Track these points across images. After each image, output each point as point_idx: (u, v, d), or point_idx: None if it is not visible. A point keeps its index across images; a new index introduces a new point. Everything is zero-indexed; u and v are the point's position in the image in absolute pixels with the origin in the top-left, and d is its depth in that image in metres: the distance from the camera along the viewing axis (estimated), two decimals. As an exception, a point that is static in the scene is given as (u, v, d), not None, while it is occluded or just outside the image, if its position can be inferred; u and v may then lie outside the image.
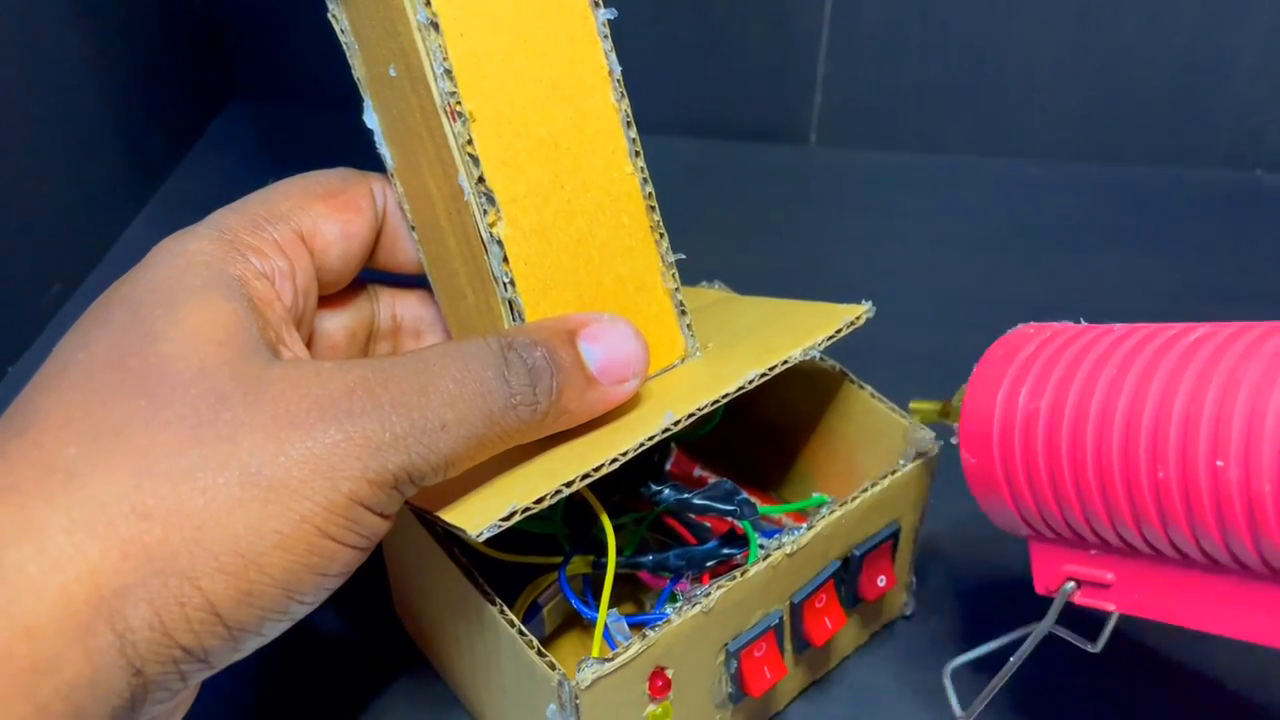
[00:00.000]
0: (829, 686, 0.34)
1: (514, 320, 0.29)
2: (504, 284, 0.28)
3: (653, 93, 0.49)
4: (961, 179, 0.56)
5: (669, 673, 0.28)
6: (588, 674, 0.26)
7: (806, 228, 0.54)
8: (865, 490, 0.31)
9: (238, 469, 0.23)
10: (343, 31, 0.30)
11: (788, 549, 0.29)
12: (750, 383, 0.29)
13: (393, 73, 0.28)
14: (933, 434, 0.32)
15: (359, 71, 0.30)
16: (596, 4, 0.29)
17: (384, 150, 0.30)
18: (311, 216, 0.29)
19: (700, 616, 0.28)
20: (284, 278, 0.28)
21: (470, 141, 0.27)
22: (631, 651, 0.27)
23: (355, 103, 0.66)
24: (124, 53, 0.53)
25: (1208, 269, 0.50)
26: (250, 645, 0.24)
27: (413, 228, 0.30)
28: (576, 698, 0.26)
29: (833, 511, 0.30)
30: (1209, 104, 0.54)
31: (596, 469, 0.26)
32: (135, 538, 0.22)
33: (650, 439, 0.27)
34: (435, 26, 0.27)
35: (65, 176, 0.49)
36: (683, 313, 0.31)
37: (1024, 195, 0.55)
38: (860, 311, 0.32)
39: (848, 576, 0.32)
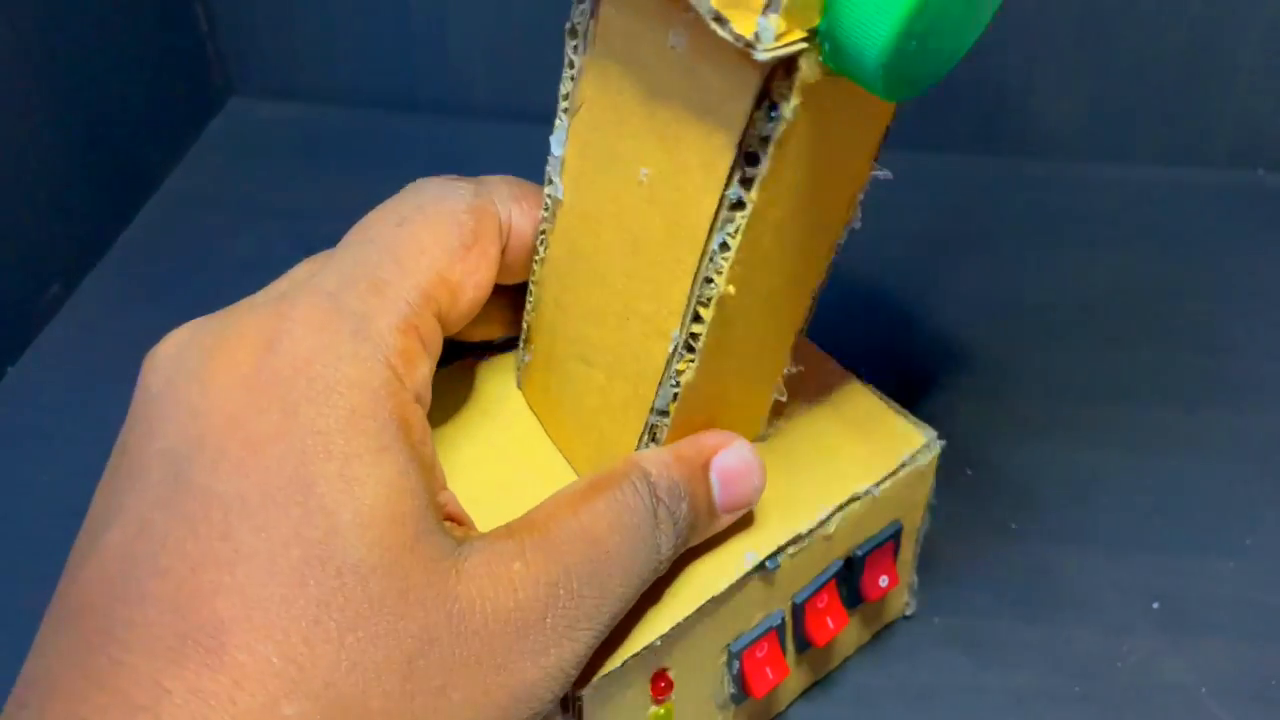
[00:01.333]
0: (831, 687, 0.34)
1: (648, 442, 0.28)
2: (658, 413, 0.27)
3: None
4: (965, 178, 0.56)
5: (671, 674, 0.28)
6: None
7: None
8: (867, 490, 0.31)
9: (402, 640, 0.21)
10: (575, 49, 0.25)
11: (790, 550, 0.29)
12: (822, 521, 0.30)
13: (643, 177, 0.25)
14: (935, 433, 0.32)
15: (574, 100, 0.26)
16: (875, 159, 0.27)
17: (556, 180, 0.27)
18: (450, 287, 0.26)
19: (703, 617, 0.28)
20: (426, 387, 0.25)
21: (706, 304, 0.25)
22: (633, 652, 0.27)
23: (356, 103, 0.66)
24: (122, 51, 0.53)
25: (1209, 268, 0.50)
26: None
27: (543, 245, 0.28)
28: (578, 698, 0.26)
29: (835, 511, 0.30)
30: (1211, 103, 0.54)
31: (687, 619, 0.27)
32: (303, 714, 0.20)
33: (731, 584, 0.28)
34: (742, 206, 0.23)
35: (64, 175, 0.49)
36: (773, 403, 0.31)
37: (1028, 194, 0.55)
38: (922, 441, 0.32)
39: (850, 576, 0.32)
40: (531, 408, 0.32)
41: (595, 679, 0.26)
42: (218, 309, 0.48)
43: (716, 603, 0.28)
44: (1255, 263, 0.50)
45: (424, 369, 0.25)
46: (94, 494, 0.24)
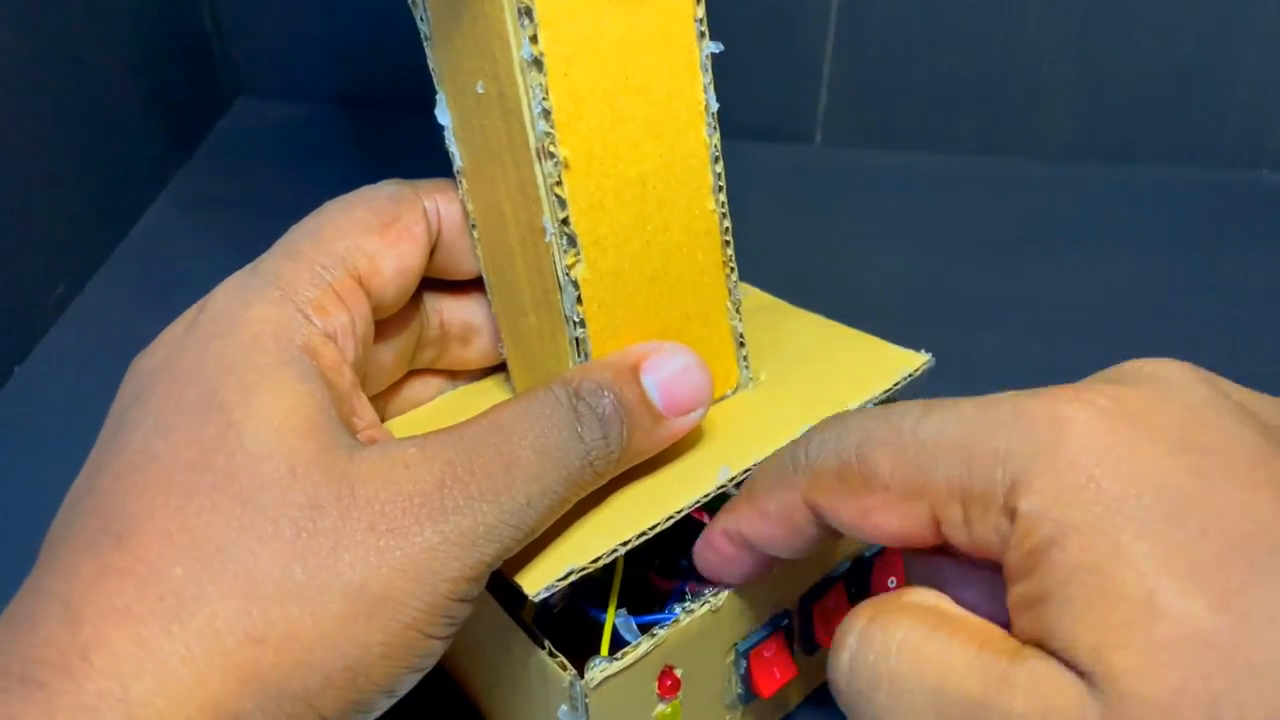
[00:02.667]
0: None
1: (579, 357, 0.28)
2: (574, 323, 0.28)
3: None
4: (967, 178, 0.56)
5: (678, 672, 0.28)
6: (596, 673, 0.26)
7: (811, 226, 0.54)
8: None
9: (342, 586, 0.23)
10: (421, 19, 0.27)
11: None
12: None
13: (480, 90, 0.27)
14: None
15: (436, 65, 0.28)
16: (702, 35, 0.27)
17: (453, 149, 0.29)
18: (367, 255, 0.28)
19: (709, 616, 0.28)
20: (346, 334, 0.27)
21: (560, 183, 0.26)
22: (640, 650, 0.27)
23: (362, 103, 0.66)
24: (129, 52, 0.53)
25: (1213, 268, 0.51)
26: None
27: (473, 225, 0.30)
28: (586, 697, 0.26)
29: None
30: (1215, 103, 0.54)
31: (653, 527, 0.27)
32: (250, 663, 0.22)
33: (706, 496, 0.28)
34: (539, 65, 0.25)
35: (70, 176, 0.49)
36: (741, 344, 0.31)
37: (1029, 194, 0.55)
38: (920, 363, 0.32)
39: (858, 578, 0.32)
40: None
41: (604, 678, 0.26)
42: (224, 309, 0.49)
43: (719, 599, 0.28)
44: (1256, 263, 0.51)
45: (340, 317, 0.27)
46: None
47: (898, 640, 0.22)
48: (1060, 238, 0.52)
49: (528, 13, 0.24)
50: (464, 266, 0.31)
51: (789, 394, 0.31)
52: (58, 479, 0.41)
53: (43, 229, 0.47)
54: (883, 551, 0.32)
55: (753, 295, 0.38)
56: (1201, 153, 0.56)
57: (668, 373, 0.28)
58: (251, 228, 0.54)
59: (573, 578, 0.26)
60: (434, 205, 0.30)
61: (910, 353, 0.32)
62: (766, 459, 0.27)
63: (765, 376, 0.32)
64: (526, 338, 0.30)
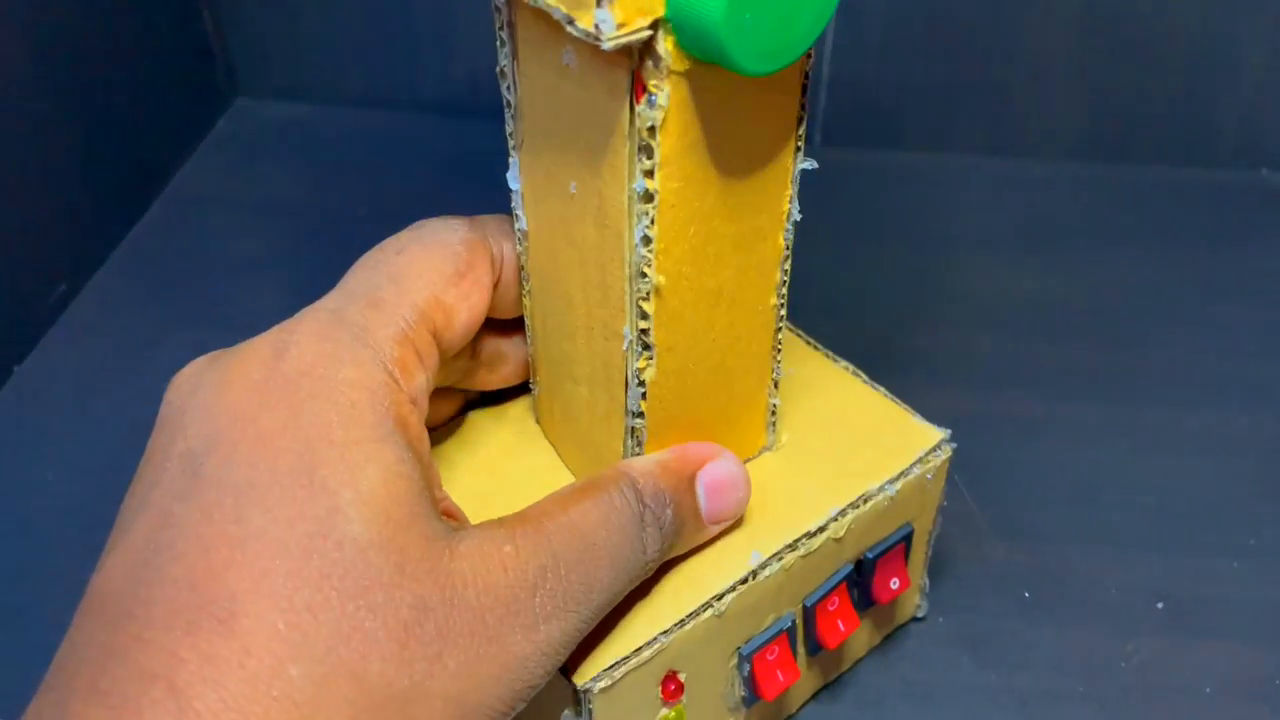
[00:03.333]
0: (841, 690, 0.34)
1: (634, 447, 0.29)
2: (634, 414, 0.28)
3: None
4: (965, 178, 0.56)
5: (681, 676, 0.28)
6: (601, 678, 0.26)
7: (811, 228, 0.54)
8: (878, 492, 0.31)
9: (443, 693, 0.23)
10: (509, 89, 0.27)
11: (800, 551, 0.29)
12: (832, 520, 0.30)
13: (573, 189, 0.26)
14: (948, 433, 0.33)
15: (519, 136, 0.27)
16: (799, 150, 0.27)
17: (520, 212, 0.28)
18: (444, 308, 0.28)
19: (712, 620, 0.28)
20: (423, 395, 0.27)
21: (647, 299, 0.26)
22: (644, 655, 0.27)
23: (361, 103, 0.66)
24: (129, 52, 0.53)
25: (1212, 267, 0.51)
26: None
27: (527, 280, 0.30)
28: (590, 703, 0.26)
29: (845, 514, 0.30)
30: (1214, 103, 0.55)
31: (691, 615, 0.28)
32: (281, 637, 0.21)
33: (741, 582, 0.29)
34: (650, 198, 0.24)
35: (70, 176, 0.49)
36: (773, 414, 0.32)
37: (1029, 194, 0.55)
38: (936, 439, 0.33)
39: (861, 580, 0.32)
40: (547, 437, 0.33)
41: (608, 683, 0.26)
42: (223, 308, 0.49)
43: (723, 602, 0.28)
44: (1256, 262, 0.51)
45: (420, 379, 0.26)
46: (121, 503, 0.25)
47: None
48: (1060, 238, 0.52)
49: (648, 151, 0.23)
50: (510, 309, 0.31)
51: (812, 467, 0.32)
52: (57, 479, 0.42)
53: (42, 228, 0.47)
54: (885, 553, 0.32)
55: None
56: (1200, 152, 0.56)
57: (717, 483, 0.29)
58: (251, 227, 0.54)
59: (619, 670, 0.27)
60: (499, 249, 0.30)
61: (929, 428, 0.33)
62: None
63: (787, 439, 0.33)
64: (573, 403, 0.30)
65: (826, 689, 0.34)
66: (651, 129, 0.23)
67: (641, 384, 0.27)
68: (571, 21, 0.21)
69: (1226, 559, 0.38)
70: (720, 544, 0.30)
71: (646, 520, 0.27)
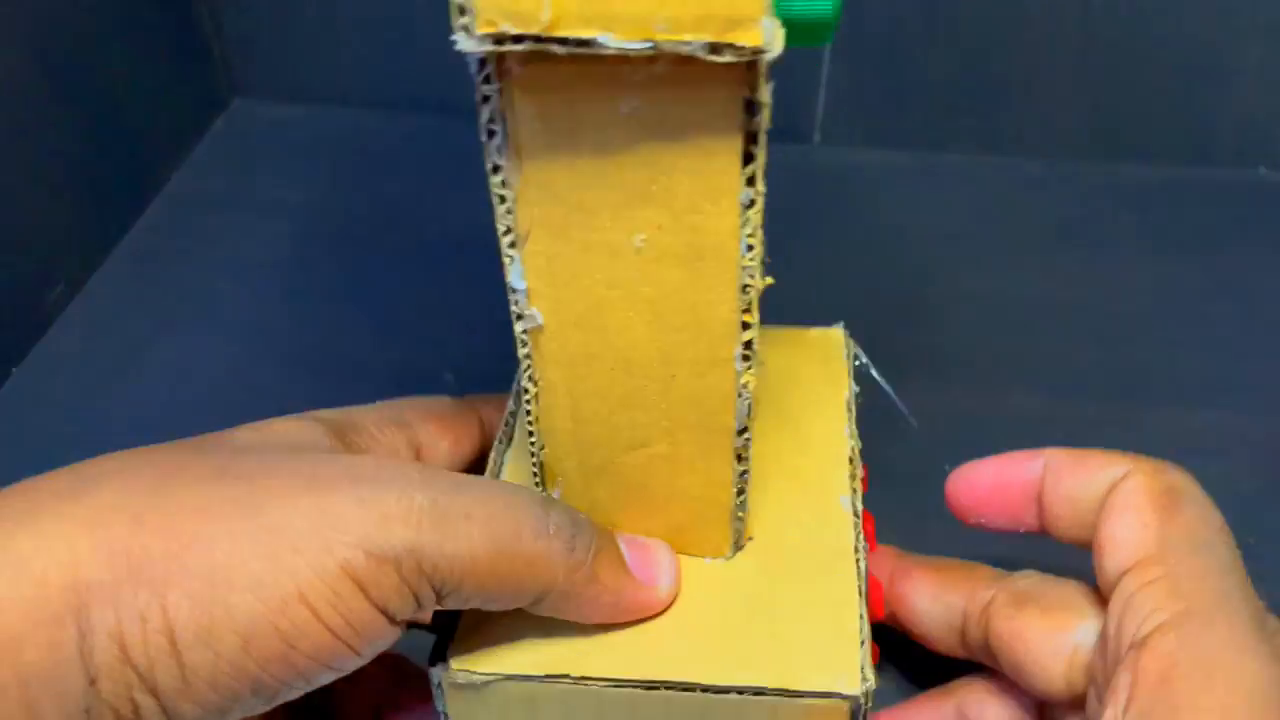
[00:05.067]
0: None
1: (740, 471, 0.28)
2: (740, 434, 0.28)
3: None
4: (965, 178, 0.56)
5: None
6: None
7: (810, 227, 0.54)
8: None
9: (243, 507, 0.23)
10: (502, 184, 0.25)
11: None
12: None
13: (639, 244, 0.25)
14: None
15: (519, 230, 0.25)
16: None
17: (531, 311, 0.26)
18: (429, 432, 0.31)
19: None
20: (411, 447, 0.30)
21: (749, 309, 0.25)
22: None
23: (359, 104, 0.66)
24: (126, 53, 0.53)
25: (1211, 267, 0.51)
26: (205, 715, 0.23)
27: (533, 384, 0.28)
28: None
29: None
30: (1213, 102, 0.54)
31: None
32: (122, 539, 0.22)
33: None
34: (753, 203, 0.24)
35: (68, 176, 0.49)
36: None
37: (1028, 194, 0.55)
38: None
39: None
40: None
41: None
42: (221, 309, 0.49)
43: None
44: (1255, 262, 0.51)
45: (375, 446, 0.30)
46: None
47: None
48: (1060, 238, 0.52)
49: (750, 158, 0.23)
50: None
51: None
52: (56, 480, 0.42)
53: (40, 229, 0.47)
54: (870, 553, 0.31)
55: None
56: (1199, 151, 0.56)
57: (636, 542, 0.29)
58: (249, 228, 0.54)
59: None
60: (488, 418, 0.33)
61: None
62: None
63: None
64: (642, 474, 0.29)
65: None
66: (753, 135, 0.22)
67: (748, 396, 0.27)
68: (720, 48, 0.20)
69: (1226, 558, 0.38)
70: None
71: (552, 503, 0.26)
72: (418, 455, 0.30)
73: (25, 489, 0.24)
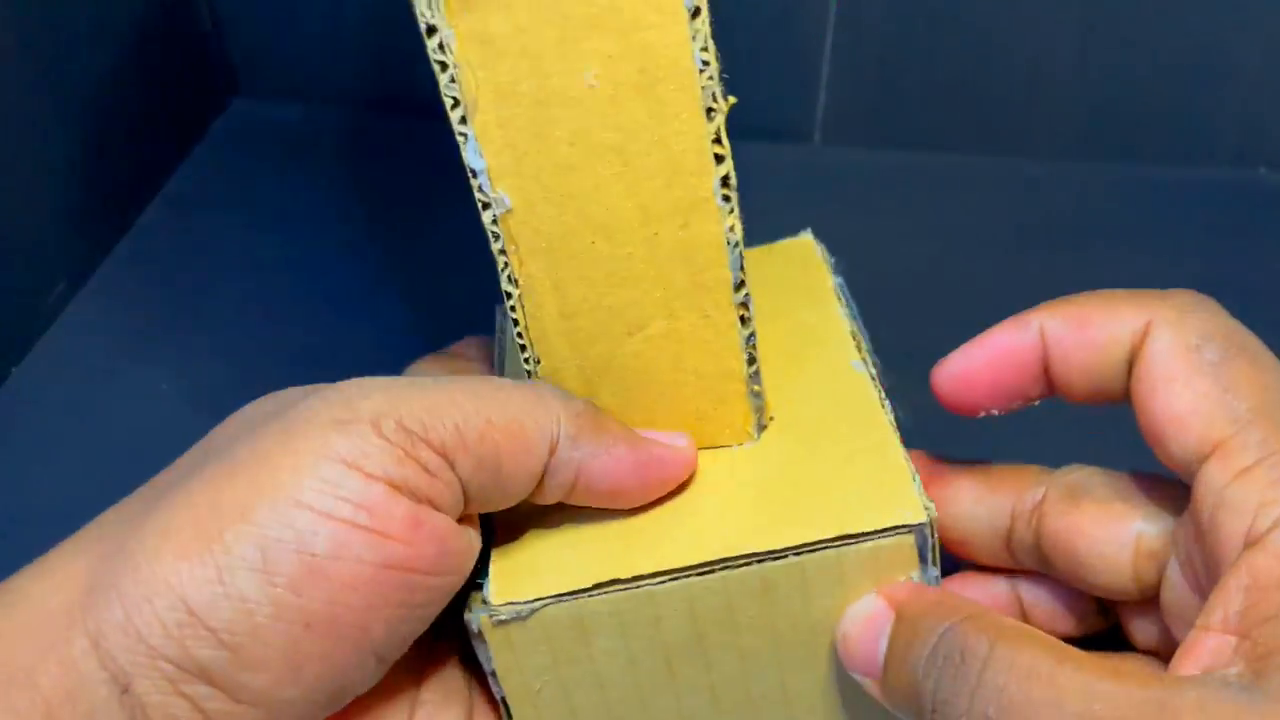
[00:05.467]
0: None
1: (746, 337, 0.27)
2: (738, 288, 0.26)
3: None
4: (966, 178, 0.56)
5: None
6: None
7: (810, 227, 0.54)
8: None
9: (233, 444, 0.23)
10: (447, 49, 0.24)
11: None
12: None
13: (590, 80, 0.23)
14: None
15: (466, 92, 0.24)
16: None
17: (495, 192, 0.26)
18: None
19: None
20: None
21: (719, 140, 0.24)
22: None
23: (359, 103, 0.65)
24: (125, 52, 0.53)
25: (1211, 267, 0.50)
26: (278, 682, 0.21)
27: (515, 283, 0.26)
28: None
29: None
30: (1213, 102, 0.54)
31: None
32: (114, 537, 0.21)
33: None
34: (698, 13, 0.23)
35: (67, 176, 0.49)
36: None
37: (1028, 194, 0.55)
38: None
39: None
40: None
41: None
42: (222, 308, 0.49)
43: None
44: (1255, 262, 0.51)
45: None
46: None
47: (1026, 668, 0.21)
48: (1060, 237, 0.52)
49: None
50: None
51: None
52: (56, 480, 0.42)
53: (40, 229, 0.47)
54: None
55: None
56: (1199, 152, 0.56)
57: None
58: (249, 228, 0.54)
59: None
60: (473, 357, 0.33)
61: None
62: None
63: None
64: (643, 358, 0.27)
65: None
66: None
67: (737, 244, 0.25)
68: None
69: (1226, 558, 0.38)
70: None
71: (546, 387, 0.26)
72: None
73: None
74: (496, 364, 0.32)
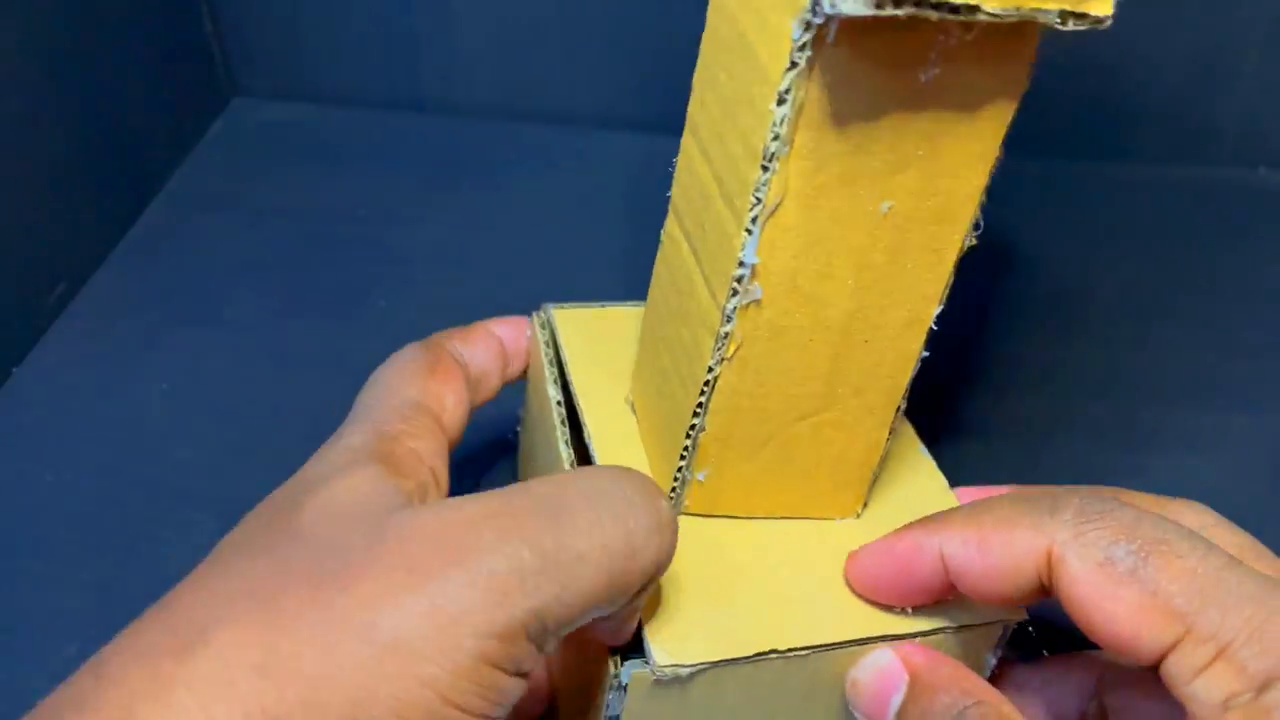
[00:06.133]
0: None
1: (889, 438, 0.29)
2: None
3: (655, 93, 0.49)
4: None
5: None
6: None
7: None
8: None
9: (355, 625, 0.21)
10: (770, 159, 0.24)
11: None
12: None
13: (885, 210, 0.25)
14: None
15: (768, 202, 0.24)
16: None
17: (750, 286, 0.26)
18: (434, 394, 0.31)
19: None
20: (435, 455, 0.29)
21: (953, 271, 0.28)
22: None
23: (359, 103, 0.65)
24: (126, 53, 0.53)
25: (1212, 267, 0.51)
26: None
27: (721, 352, 0.27)
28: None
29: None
30: (1212, 102, 0.54)
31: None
32: (255, 696, 0.21)
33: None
34: (992, 168, 0.26)
35: (68, 176, 0.49)
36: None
37: (1029, 194, 0.55)
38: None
39: None
40: (717, 513, 0.31)
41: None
42: (222, 308, 0.49)
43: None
44: (1255, 262, 0.51)
45: (417, 444, 0.28)
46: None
47: None
48: (1060, 238, 0.52)
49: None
50: (484, 394, 0.34)
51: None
52: (55, 481, 0.42)
53: (41, 229, 0.47)
54: None
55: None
56: (1199, 152, 0.56)
57: None
58: (249, 228, 0.54)
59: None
60: (455, 350, 0.33)
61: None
62: (1010, 499, 0.27)
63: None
64: (808, 446, 0.29)
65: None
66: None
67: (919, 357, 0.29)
68: (1071, 16, 0.23)
69: (1226, 558, 0.38)
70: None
71: (647, 483, 0.25)
72: (435, 416, 0.30)
73: (135, 651, 0.22)
74: (552, 378, 0.34)
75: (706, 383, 0.27)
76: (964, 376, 0.45)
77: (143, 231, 0.53)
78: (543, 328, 0.35)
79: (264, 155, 0.58)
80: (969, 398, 0.44)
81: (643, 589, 0.25)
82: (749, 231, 0.24)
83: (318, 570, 0.22)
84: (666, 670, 0.26)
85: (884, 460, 0.31)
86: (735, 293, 0.25)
